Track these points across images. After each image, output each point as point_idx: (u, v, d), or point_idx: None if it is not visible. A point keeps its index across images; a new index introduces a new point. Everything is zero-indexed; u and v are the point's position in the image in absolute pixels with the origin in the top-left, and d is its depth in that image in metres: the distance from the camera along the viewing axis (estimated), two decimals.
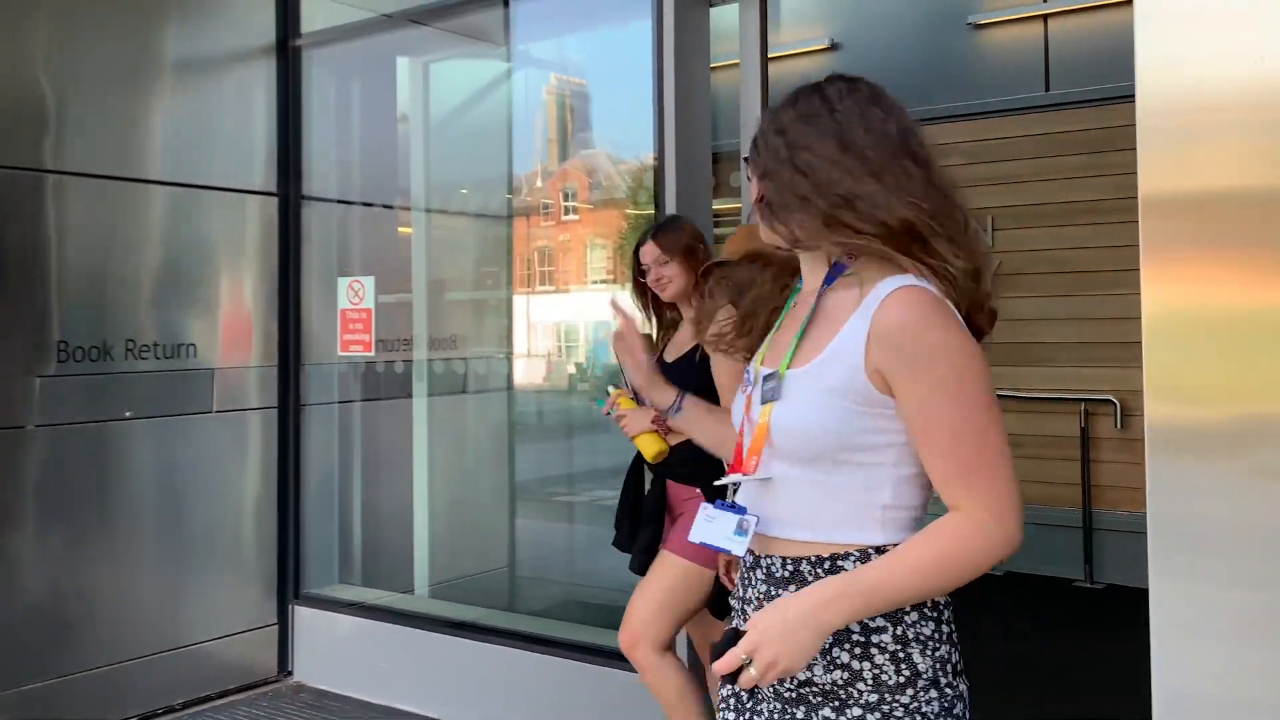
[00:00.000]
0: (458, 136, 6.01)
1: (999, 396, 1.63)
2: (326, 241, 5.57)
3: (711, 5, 4.31)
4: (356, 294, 5.37)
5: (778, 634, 1.55)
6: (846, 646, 1.65)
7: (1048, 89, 7.15)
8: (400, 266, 5.74)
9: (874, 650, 1.64)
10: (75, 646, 4.52)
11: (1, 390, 4.36)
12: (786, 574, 1.70)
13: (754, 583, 1.76)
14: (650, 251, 3.59)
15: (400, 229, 5.89)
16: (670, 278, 3.56)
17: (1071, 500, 6.82)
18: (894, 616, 1.65)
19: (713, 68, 4.39)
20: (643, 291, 3.70)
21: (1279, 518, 1.90)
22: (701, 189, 4.29)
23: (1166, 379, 2.00)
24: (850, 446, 1.66)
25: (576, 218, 5.93)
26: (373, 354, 5.40)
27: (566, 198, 5.88)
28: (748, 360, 1.88)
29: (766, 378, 1.75)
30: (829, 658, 1.65)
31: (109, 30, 4.74)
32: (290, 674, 5.31)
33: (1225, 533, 1.95)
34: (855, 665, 1.65)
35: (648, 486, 3.67)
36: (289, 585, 5.36)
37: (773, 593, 1.70)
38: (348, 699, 5.01)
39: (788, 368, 1.73)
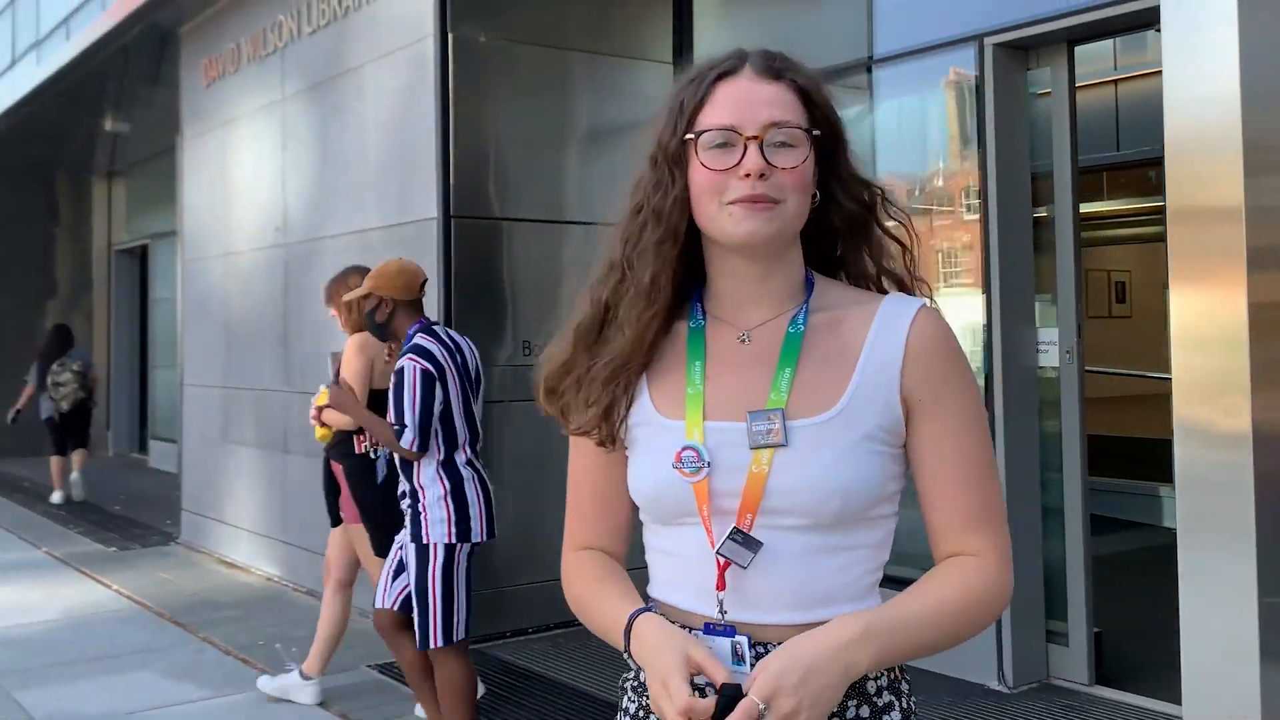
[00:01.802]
0: None
1: None
2: None
3: (1028, 70, 5.23)
4: None
5: (796, 679, 1.30)
6: None
7: None
8: None
9: None
10: (537, 563, 6.16)
11: (487, 376, 6.09)
12: None
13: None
14: None
15: None
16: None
17: None
18: (897, 690, 1.49)
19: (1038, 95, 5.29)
20: None
21: None
22: (1021, 203, 5.18)
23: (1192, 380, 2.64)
24: (880, 500, 1.46)
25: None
26: None
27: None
28: (603, 431, 1.55)
29: (758, 415, 1.45)
30: None
31: (544, 105, 6.35)
32: None
33: None
34: None
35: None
36: None
37: None
38: None
39: (787, 414, 1.45)
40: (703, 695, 1.34)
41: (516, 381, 6.13)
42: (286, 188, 7.43)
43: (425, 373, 3.95)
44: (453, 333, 4.28)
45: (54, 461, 11.13)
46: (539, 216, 6.29)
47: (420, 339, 4.06)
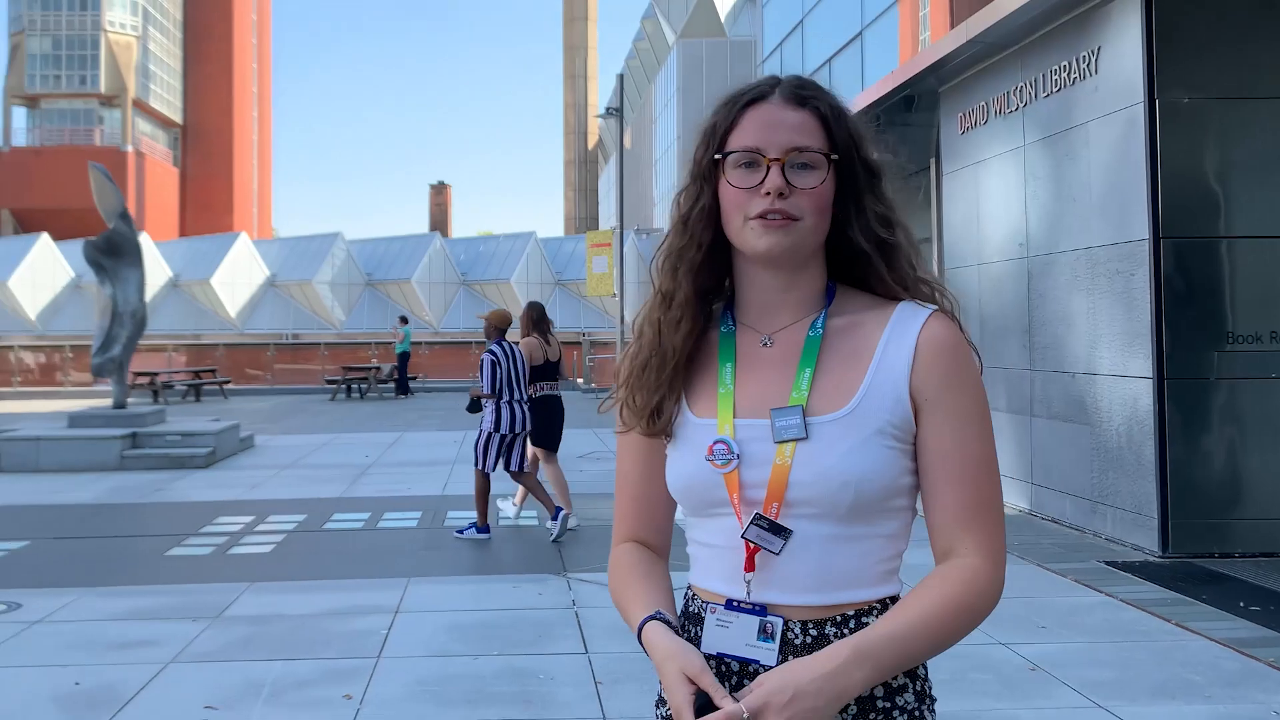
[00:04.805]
0: None
1: None
2: None
3: None
4: None
5: (786, 698, 1.39)
6: (872, 716, 1.54)
7: None
8: None
9: (896, 713, 1.56)
10: (1244, 502, 7.84)
11: (1201, 358, 7.88)
12: (809, 640, 1.54)
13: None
14: None
15: None
16: None
17: None
18: (912, 673, 1.57)
19: None
20: None
21: None
22: None
23: None
24: (893, 492, 1.56)
25: None
26: None
27: None
28: (652, 426, 1.68)
29: (781, 412, 1.57)
30: None
31: (1257, 133, 7.94)
32: None
33: None
34: None
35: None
36: None
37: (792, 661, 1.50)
38: None
39: (806, 411, 1.56)
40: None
41: (1230, 364, 7.85)
42: (1028, 213, 9.70)
43: (491, 361, 8.89)
44: (513, 344, 9.11)
45: None
46: (1259, 233, 7.92)
47: (493, 345, 9.02)
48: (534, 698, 5.09)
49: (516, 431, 8.96)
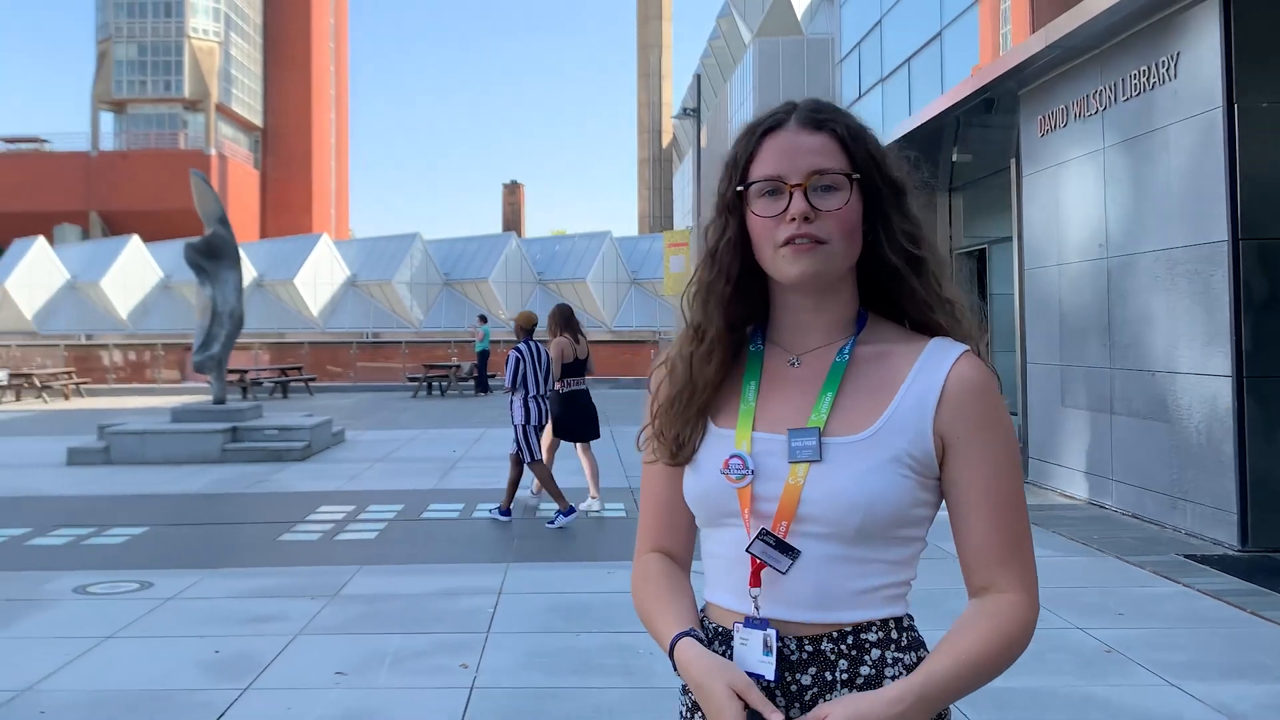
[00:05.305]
0: None
1: None
2: None
3: None
4: None
5: None
6: None
7: None
8: None
9: None
10: None
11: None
12: (804, 656, 1.56)
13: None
14: None
15: None
16: None
17: None
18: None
19: None
20: None
21: None
22: None
23: None
24: (903, 521, 1.56)
25: None
26: None
27: None
28: (675, 451, 1.69)
29: (798, 433, 1.58)
30: None
31: None
32: None
33: None
34: None
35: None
36: None
37: (788, 677, 1.56)
38: None
39: (824, 433, 1.57)
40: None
41: None
42: (1107, 214, 9.87)
43: (516, 358, 9.68)
44: (539, 343, 9.89)
45: None
46: None
47: (520, 344, 9.80)
48: (635, 670, 5.45)
49: (542, 424, 9.80)
